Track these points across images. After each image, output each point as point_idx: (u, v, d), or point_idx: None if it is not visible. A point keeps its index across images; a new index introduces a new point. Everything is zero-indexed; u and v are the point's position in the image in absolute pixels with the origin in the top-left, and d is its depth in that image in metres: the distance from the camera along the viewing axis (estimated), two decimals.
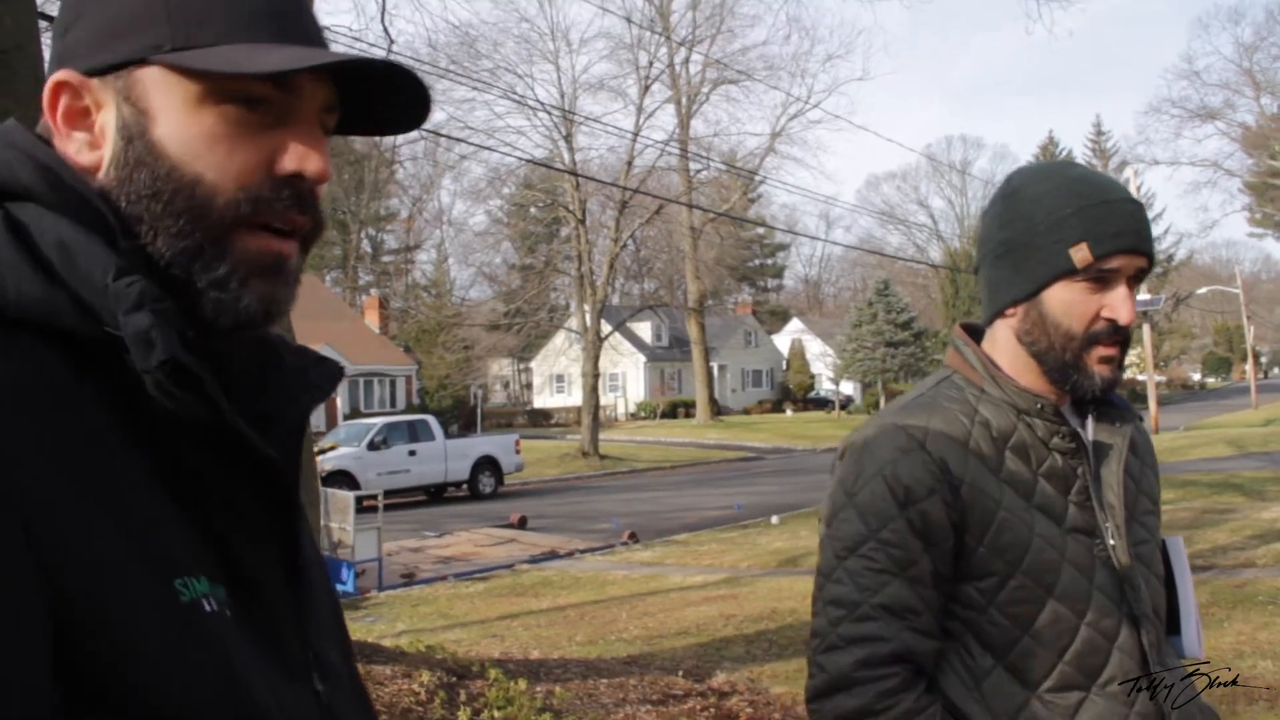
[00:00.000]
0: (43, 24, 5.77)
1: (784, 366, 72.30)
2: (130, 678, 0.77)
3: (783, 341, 74.95)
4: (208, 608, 0.83)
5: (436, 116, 36.70)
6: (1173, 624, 1.88)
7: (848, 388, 67.11)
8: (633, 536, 16.79)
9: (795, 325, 78.28)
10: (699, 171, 47.34)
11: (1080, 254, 1.69)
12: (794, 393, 68.87)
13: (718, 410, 56.61)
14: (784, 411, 63.77)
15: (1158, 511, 1.90)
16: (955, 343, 1.89)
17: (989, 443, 1.73)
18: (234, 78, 0.92)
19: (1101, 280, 1.70)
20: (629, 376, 63.92)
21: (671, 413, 58.69)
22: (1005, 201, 1.82)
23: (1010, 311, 1.80)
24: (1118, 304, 1.71)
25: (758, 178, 48.17)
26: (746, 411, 63.57)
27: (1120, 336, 1.73)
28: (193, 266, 0.92)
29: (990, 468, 1.71)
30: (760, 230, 71.42)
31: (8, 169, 0.90)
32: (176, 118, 0.92)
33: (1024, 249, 1.75)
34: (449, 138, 33.78)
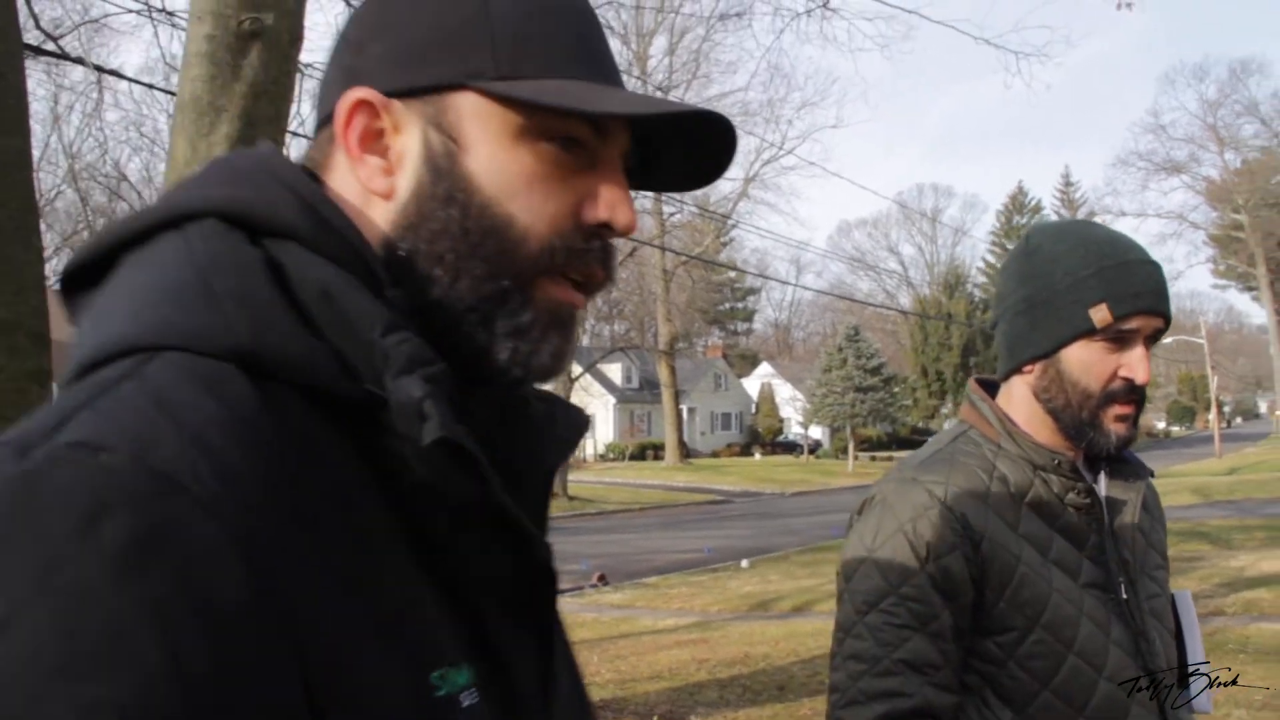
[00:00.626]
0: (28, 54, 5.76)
1: (753, 410, 72.46)
2: None
3: (752, 385, 75.15)
4: (466, 702, 0.74)
5: None
6: (1181, 677, 1.88)
7: (816, 432, 67.29)
8: (602, 579, 16.68)
9: (765, 369, 78.56)
10: (672, 214, 47.56)
11: (1100, 314, 1.71)
12: (763, 436, 69.01)
13: (687, 453, 56.56)
14: (753, 455, 63.84)
15: (1167, 566, 1.92)
16: (971, 398, 1.90)
17: (1007, 498, 1.75)
18: (576, 115, 0.84)
19: (1120, 340, 1.72)
20: (598, 418, 63.87)
21: (640, 454, 58.64)
22: (1025, 259, 1.83)
23: (1028, 368, 1.81)
24: (1135, 364, 1.72)
25: (730, 222, 48.46)
26: (715, 454, 63.58)
27: (1136, 396, 1.75)
28: (496, 312, 0.84)
29: (1009, 523, 1.72)
30: (732, 274, 71.72)
31: (270, 204, 0.81)
32: (492, 152, 0.84)
33: (1043, 307, 1.77)
34: None
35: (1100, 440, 1.74)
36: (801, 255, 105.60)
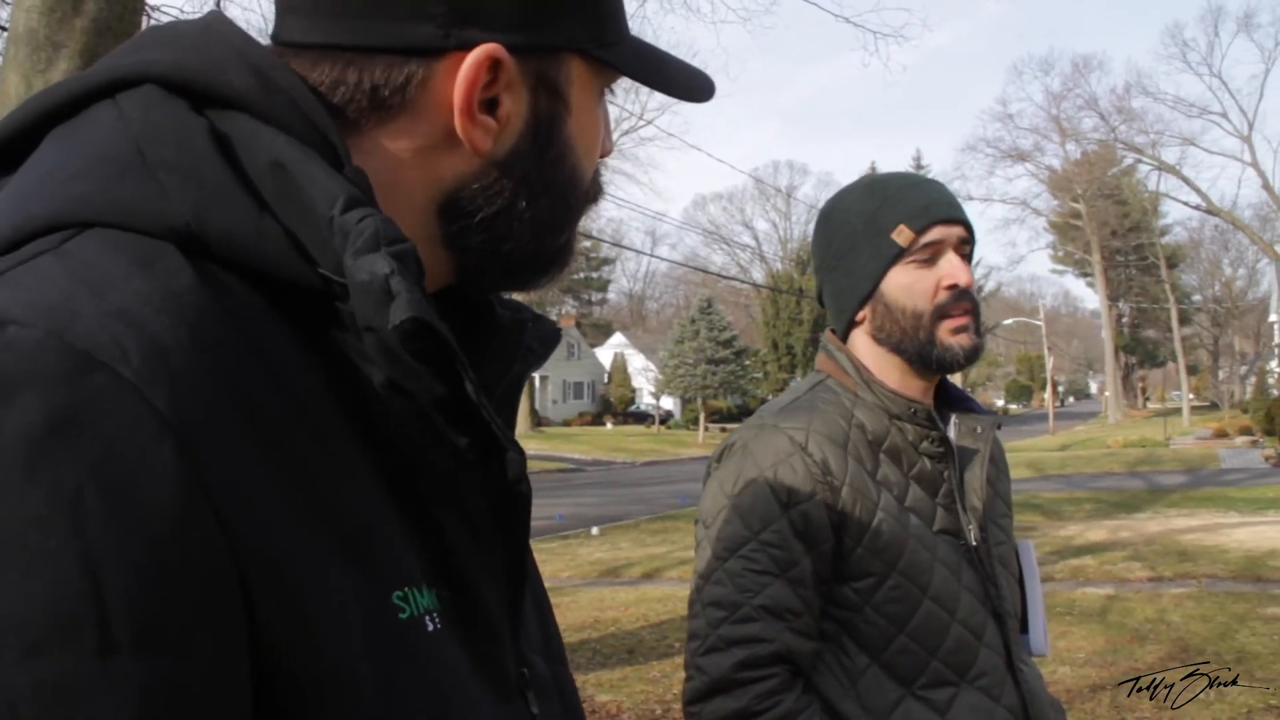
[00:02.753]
0: None
1: (605, 380, 72.64)
2: (332, 709, 0.62)
3: (605, 355, 75.28)
4: (430, 626, 0.69)
5: None
6: (1021, 622, 1.95)
7: (668, 403, 67.82)
8: None
9: (618, 339, 78.76)
10: None
11: (902, 235, 1.77)
12: (615, 406, 69.24)
13: (539, 421, 56.51)
14: (604, 424, 64.00)
15: (1011, 515, 1.99)
16: (828, 348, 1.91)
17: (865, 446, 1.77)
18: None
19: (930, 257, 1.78)
20: None
21: None
22: (824, 222, 1.90)
23: (859, 316, 1.85)
24: (953, 270, 1.77)
25: None
26: (567, 423, 63.58)
27: (968, 304, 1.79)
28: (556, 258, 0.87)
29: (867, 470, 1.75)
30: (587, 243, 71.64)
31: (217, 69, 0.71)
32: (583, 114, 0.84)
33: (852, 253, 1.82)
34: None
35: (946, 356, 1.77)
36: (657, 226, 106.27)
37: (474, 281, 0.85)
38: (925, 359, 1.79)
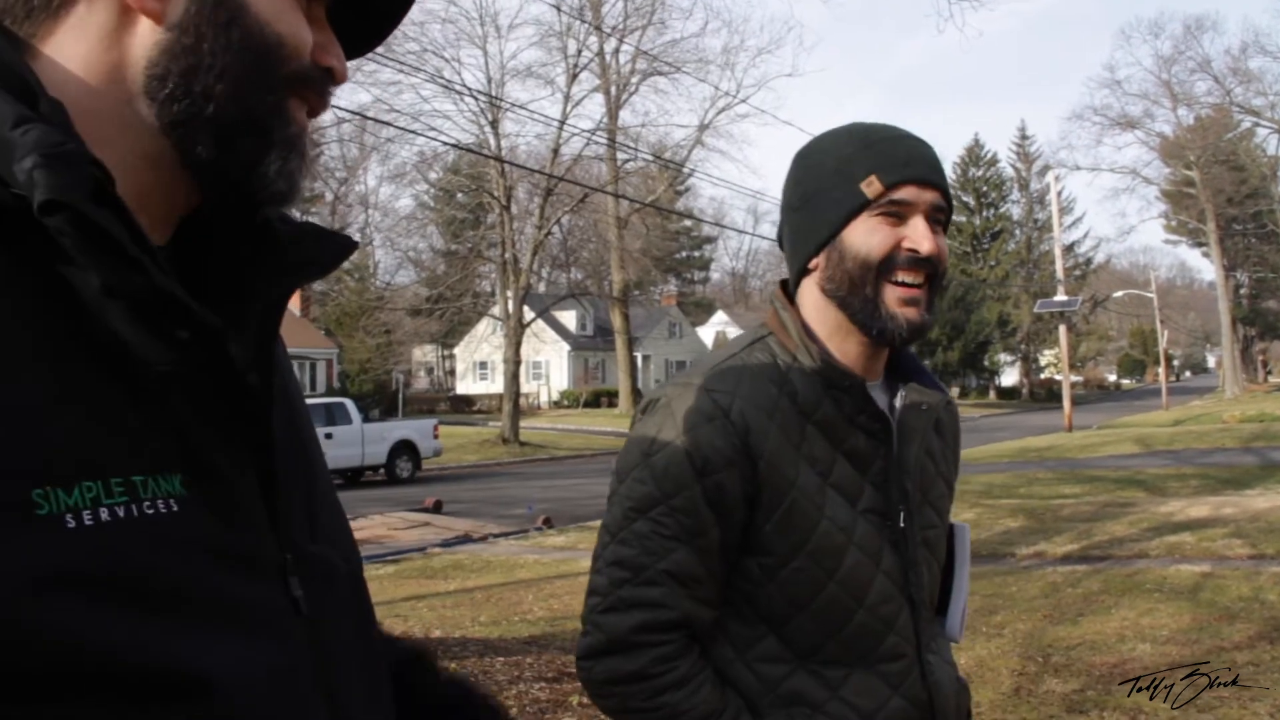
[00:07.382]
0: None
1: None
2: None
3: (707, 334, 75.31)
4: (72, 523, 0.70)
5: (362, 98, 36.02)
6: (940, 605, 1.89)
7: None
8: (547, 522, 16.77)
9: (720, 318, 78.74)
10: (626, 161, 47.26)
11: (871, 186, 1.66)
12: None
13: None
14: None
15: (952, 495, 1.90)
16: (775, 304, 1.82)
17: (794, 415, 1.69)
18: None
19: (898, 215, 1.67)
20: (552, 365, 63.89)
21: (595, 402, 58.75)
22: (797, 162, 1.81)
23: (813, 264, 1.74)
24: (917, 236, 1.66)
25: (685, 169, 48.23)
26: None
27: (925, 272, 1.69)
28: (273, 123, 0.90)
29: (792, 442, 1.67)
30: (688, 223, 71.54)
31: None
32: None
33: (817, 196, 1.72)
34: (375, 120, 33.19)
35: (890, 326, 1.67)
36: (758, 204, 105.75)
37: (203, 165, 0.88)
38: (867, 324, 1.69)
